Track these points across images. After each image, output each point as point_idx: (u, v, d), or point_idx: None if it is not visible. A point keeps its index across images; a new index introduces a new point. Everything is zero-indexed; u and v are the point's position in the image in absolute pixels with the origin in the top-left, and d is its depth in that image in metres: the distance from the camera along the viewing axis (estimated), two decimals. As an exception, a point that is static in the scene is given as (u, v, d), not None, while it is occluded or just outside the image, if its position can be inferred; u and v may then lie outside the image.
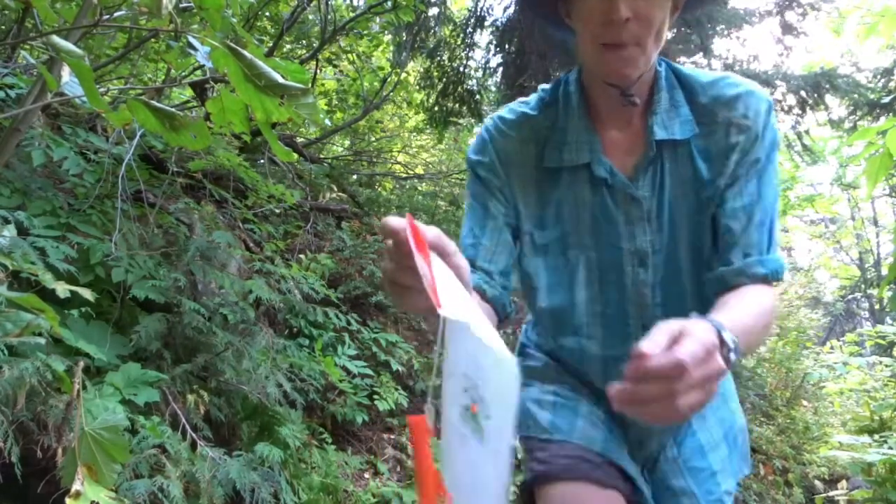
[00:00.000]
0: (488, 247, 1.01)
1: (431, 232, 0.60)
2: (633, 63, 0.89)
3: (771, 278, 0.94)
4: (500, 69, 5.58)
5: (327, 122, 4.93)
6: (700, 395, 0.61)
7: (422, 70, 6.09)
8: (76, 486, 1.14)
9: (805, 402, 6.35)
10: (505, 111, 1.06)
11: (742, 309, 0.84)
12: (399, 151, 7.17)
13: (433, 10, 5.56)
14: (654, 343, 0.61)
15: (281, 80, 0.74)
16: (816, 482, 5.24)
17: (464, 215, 1.07)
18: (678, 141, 0.96)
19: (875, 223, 13.52)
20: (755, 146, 0.95)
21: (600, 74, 0.94)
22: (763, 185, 0.96)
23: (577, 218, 1.01)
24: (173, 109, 0.83)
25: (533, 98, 1.06)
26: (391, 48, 5.98)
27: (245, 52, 0.73)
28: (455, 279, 0.61)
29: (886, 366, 5.66)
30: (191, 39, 0.78)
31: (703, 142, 0.97)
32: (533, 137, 1.02)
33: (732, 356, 0.67)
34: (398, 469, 3.27)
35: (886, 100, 5.97)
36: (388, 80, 5.55)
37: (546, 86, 1.07)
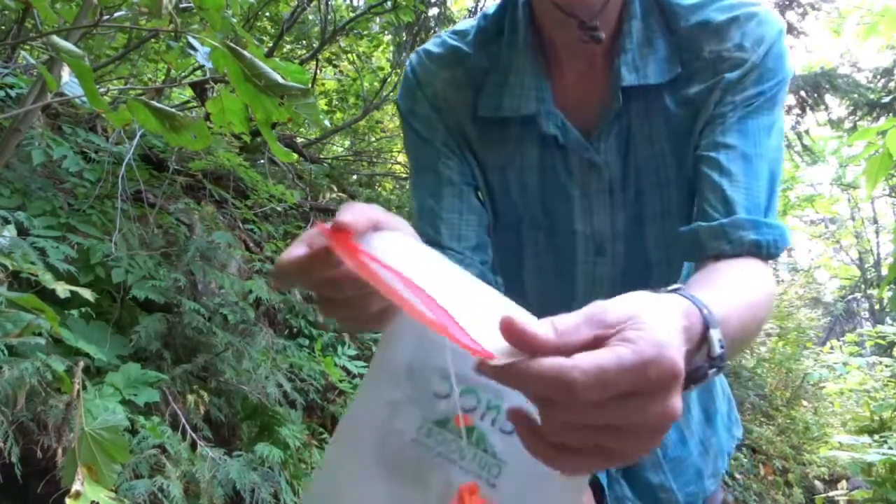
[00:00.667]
0: (451, 220, 0.79)
1: (355, 216, 0.44)
2: None
3: (766, 251, 0.66)
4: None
5: (327, 122, 4.93)
6: (601, 454, 0.35)
7: (422, 70, 6.08)
8: (76, 487, 1.14)
9: (805, 403, 6.35)
10: (434, 44, 0.82)
11: (736, 293, 0.56)
12: (399, 152, 7.17)
13: (433, 11, 5.56)
14: (557, 328, 0.35)
15: (281, 80, 0.75)
16: (816, 482, 5.25)
17: (410, 184, 0.85)
18: (652, 87, 0.72)
19: (875, 223, 13.53)
20: (748, 78, 0.70)
21: None
22: (758, 126, 0.70)
23: (524, 186, 0.79)
24: (173, 110, 0.83)
25: (472, 28, 0.81)
26: (391, 48, 5.98)
27: (245, 53, 0.73)
28: (416, 249, 0.47)
29: (886, 366, 5.67)
30: (191, 40, 0.78)
31: (683, 85, 0.72)
32: (468, 80, 0.78)
33: (712, 370, 0.44)
34: (398, 469, 3.27)
35: (886, 100, 5.98)
36: (388, 80, 5.54)
37: (490, 8, 0.81)
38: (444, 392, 0.43)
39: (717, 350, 0.43)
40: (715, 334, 0.43)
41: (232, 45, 0.74)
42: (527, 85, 0.75)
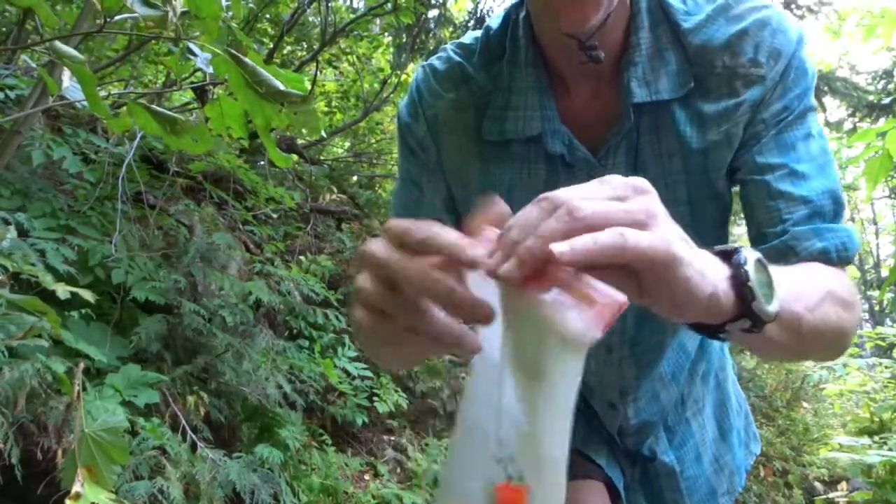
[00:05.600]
0: None
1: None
2: (592, 2, 0.61)
3: (836, 255, 0.63)
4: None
5: (323, 134, 4.91)
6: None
7: (422, 72, 6.09)
8: (76, 488, 1.14)
9: (805, 404, 6.35)
10: (440, 59, 0.79)
11: (786, 269, 0.54)
12: (399, 153, 7.17)
13: (433, 12, 5.57)
14: None
15: (282, 87, 0.75)
16: (816, 484, 5.25)
17: (393, 192, 0.81)
18: (663, 102, 0.69)
19: (875, 225, 13.54)
20: (773, 95, 0.67)
21: (545, 19, 0.68)
22: (796, 137, 0.67)
23: None
24: (174, 114, 0.84)
25: (476, 44, 0.78)
26: (391, 50, 5.99)
27: (246, 60, 0.73)
28: None
29: (886, 367, 5.66)
30: (191, 46, 0.79)
31: (695, 101, 0.69)
32: (472, 101, 0.76)
33: (750, 272, 0.44)
34: (398, 470, 3.27)
35: (886, 101, 5.99)
36: (388, 81, 5.55)
37: (495, 23, 0.78)
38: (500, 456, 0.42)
39: (743, 259, 0.44)
40: (743, 254, 0.45)
41: (233, 51, 0.74)
42: (530, 104, 0.72)
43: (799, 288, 0.52)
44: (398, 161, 0.84)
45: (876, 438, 3.82)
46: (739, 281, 0.44)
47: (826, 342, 0.58)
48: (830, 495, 4.61)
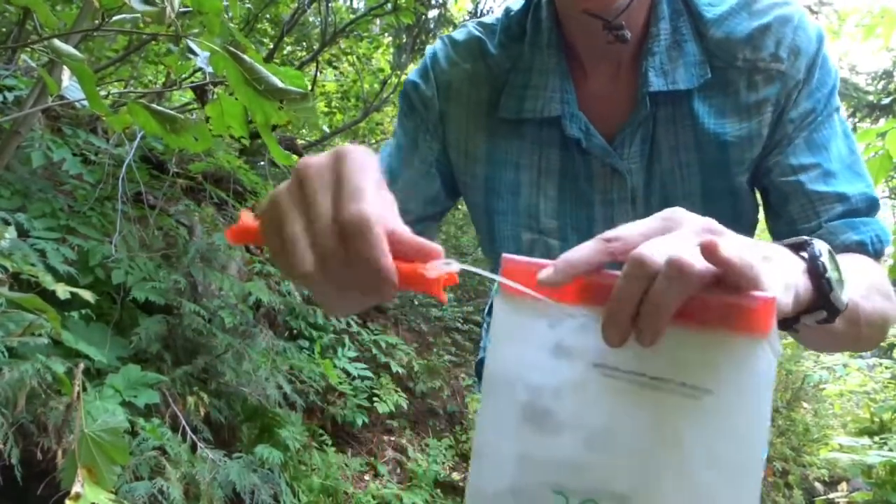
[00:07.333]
0: (401, 186, 0.77)
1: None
2: None
3: (872, 247, 0.66)
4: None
5: (325, 129, 4.92)
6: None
7: (422, 72, 6.09)
8: (76, 488, 1.14)
9: (805, 404, 6.35)
10: (459, 32, 0.80)
11: (841, 259, 0.54)
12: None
13: (433, 13, 5.57)
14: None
15: (280, 84, 0.75)
16: (817, 484, 5.24)
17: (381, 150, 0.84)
18: (680, 92, 0.69)
19: (875, 225, 13.53)
20: (800, 96, 0.68)
21: (570, 1, 0.68)
22: (826, 137, 0.69)
23: (538, 192, 0.76)
24: (174, 112, 0.84)
25: (496, 24, 0.79)
26: (391, 50, 5.99)
27: (245, 57, 0.73)
28: None
29: (886, 367, 5.66)
30: (190, 44, 0.79)
31: (714, 93, 0.70)
32: (488, 78, 0.76)
33: (826, 264, 0.45)
34: (398, 471, 3.27)
35: (886, 101, 5.99)
36: (389, 82, 5.55)
37: (515, 6, 0.79)
38: None
39: (818, 251, 0.46)
40: (817, 244, 0.46)
41: (231, 48, 0.74)
42: (550, 86, 0.73)
43: (855, 278, 0.53)
44: (397, 124, 0.84)
45: (876, 439, 3.82)
46: (816, 273, 0.45)
47: (876, 330, 0.59)
48: (830, 496, 4.61)
